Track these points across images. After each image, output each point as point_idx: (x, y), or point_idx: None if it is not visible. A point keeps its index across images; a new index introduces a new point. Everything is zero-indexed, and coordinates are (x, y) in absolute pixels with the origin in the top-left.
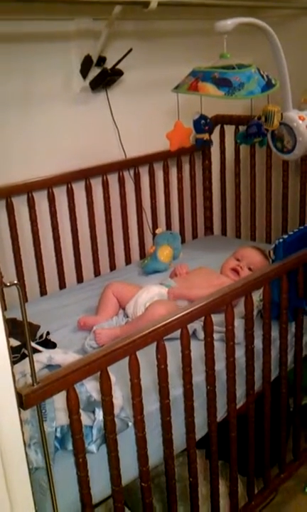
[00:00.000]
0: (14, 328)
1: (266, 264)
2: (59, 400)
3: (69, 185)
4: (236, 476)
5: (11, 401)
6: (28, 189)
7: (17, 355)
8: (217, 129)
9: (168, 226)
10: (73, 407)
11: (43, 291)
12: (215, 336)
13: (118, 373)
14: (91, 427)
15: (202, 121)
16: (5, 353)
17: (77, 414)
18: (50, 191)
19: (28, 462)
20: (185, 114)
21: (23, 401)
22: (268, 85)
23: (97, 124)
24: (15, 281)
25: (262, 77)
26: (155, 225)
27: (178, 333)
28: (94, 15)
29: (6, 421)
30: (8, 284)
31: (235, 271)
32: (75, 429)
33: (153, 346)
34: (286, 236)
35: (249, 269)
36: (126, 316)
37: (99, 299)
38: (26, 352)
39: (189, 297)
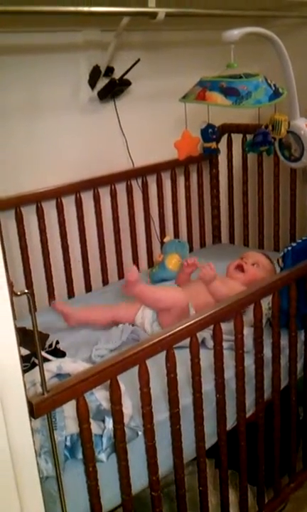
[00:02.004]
0: (24, 337)
1: (271, 265)
2: (69, 409)
3: (77, 195)
4: (246, 486)
5: (22, 410)
6: (36, 199)
7: (27, 364)
8: (224, 138)
9: (176, 234)
10: (83, 416)
11: (52, 300)
12: (224, 344)
13: (127, 382)
14: (101, 436)
15: (210, 130)
16: (16, 362)
17: (87, 423)
18: (58, 201)
19: (39, 471)
20: (193, 124)
21: (34, 410)
22: (276, 94)
23: (105, 133)
24: (26, 291)
25: (269, 86)
26: (163, 234)
27: (187, 341)
28: (101, 26)
29: (17, 430)
30: (19, 294)
31: (240, 267)
32: (85, 438)
33: (162, 355)
34: (294, 244)
35: (253, 264)
36: (135, 325)
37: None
38: (36, 361)
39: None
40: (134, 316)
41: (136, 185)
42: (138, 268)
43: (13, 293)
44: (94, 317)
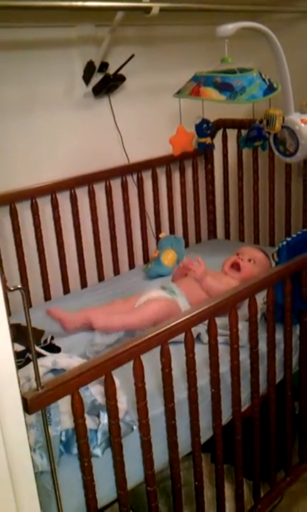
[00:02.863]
0: (18, 333)
1: (267, 260)
2: (63, 404)
3: (72, 191)
4: (241, 480)
5: (16, 405)
6: (31, 195)
7: (21, 359)
8: (219, 133)
9: (172, 230)
10: (78, 411)
11: (47, 296)
12: (219, 339)
13: (122, 377)
14: (96, 431)
15: (204, 126)
16: (10, 357)
17: (81, 418)
18: (53, 197)
19: (34, 466)
20: (187, 119)
21: (28, 405)
22: (270, 89)
23: (100, 129)
24: (19, 286)
25: (264, 80)
26: (158, 230)
27: (182, 336)
28: (96, 21)
29: (12, 425)
30: (12, 289)
31: (236, 264)
32: (80, 433)
33: (157, 350)
34: (289, 239)
35: (250, 260)
36: None
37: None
38: (30, 357)
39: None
40: None
41: (131, 181)
42: (133, 264)
43: (6, 288)
44: (90, 319)
